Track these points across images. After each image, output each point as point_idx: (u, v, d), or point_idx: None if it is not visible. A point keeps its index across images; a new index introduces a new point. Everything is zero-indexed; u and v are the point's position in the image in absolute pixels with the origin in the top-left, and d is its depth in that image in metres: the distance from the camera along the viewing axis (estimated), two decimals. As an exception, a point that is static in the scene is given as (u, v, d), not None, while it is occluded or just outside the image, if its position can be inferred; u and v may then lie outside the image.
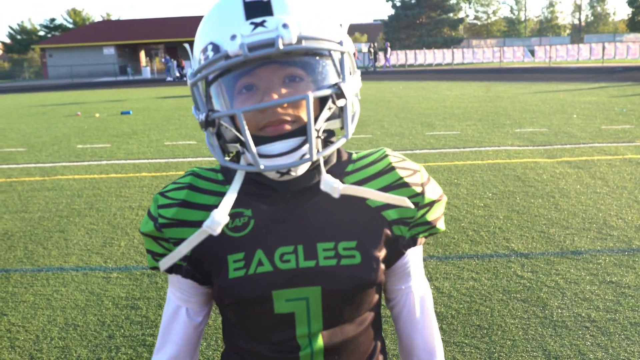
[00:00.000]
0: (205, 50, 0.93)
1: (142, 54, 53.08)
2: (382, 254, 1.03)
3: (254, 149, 0.89)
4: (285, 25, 0.88)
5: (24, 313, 3.71)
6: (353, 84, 0.97)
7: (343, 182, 1.02)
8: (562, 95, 16.96)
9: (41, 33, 64.27)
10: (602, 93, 17.38)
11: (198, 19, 50.06)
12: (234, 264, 0.99)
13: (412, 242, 1.07)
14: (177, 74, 35.40)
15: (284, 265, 0.99)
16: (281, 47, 0.87)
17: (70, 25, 63.99)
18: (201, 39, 0.96)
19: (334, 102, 0.95)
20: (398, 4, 58.38)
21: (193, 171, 1.07)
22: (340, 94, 0.93)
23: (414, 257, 1.11)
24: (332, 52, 0.95)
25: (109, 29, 50.11)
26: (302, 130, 0.94)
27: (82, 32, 50.40)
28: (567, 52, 38.06)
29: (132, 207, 6.10)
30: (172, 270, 1.06)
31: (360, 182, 1.03)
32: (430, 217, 1.06)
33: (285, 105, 0.93)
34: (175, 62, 35.86)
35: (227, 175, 1.06)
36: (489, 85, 21.99)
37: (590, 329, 3.25)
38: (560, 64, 36.12)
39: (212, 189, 1.04)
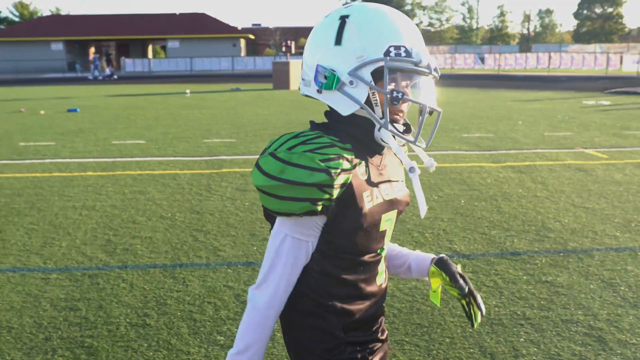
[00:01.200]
0: (399, 48, 1.33)
1: (92, 50, 51.69)
2: None
3: (420, 132, 1.43)
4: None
5: (-45, 315, 3.57)
6: None
7: None
8: (509, 102, 17.49)
9: (-15, 26, 61.79)
10: (546, 101, 18.02)
11: (150, 17, 49.28)
12: (366, 198, 1.40)
13: None
14: (108, 73, 34.93)
15: (387, 197, 1.47)
16: (438, 78, 1.42)
17: (17, 19, 61.81)
18: (394, 36, 1.34)
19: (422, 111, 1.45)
20: (353, 8, 58.77)
21: (333, 141, 1.38)
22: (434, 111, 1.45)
23: None
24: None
25: (58, 24, 48.62)
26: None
27: (29, 26, 48.75)
28: (516, 61, 39.26)
29: (75, 206, 5.95)
30: (318, 212, 1.33)
31: None
32: None
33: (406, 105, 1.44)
34: (99, 62, 35.38)
35: (351, 144, 1.42)
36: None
37: (525, 326, 3.37)
38: (509, 72, 37.21)
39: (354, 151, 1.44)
